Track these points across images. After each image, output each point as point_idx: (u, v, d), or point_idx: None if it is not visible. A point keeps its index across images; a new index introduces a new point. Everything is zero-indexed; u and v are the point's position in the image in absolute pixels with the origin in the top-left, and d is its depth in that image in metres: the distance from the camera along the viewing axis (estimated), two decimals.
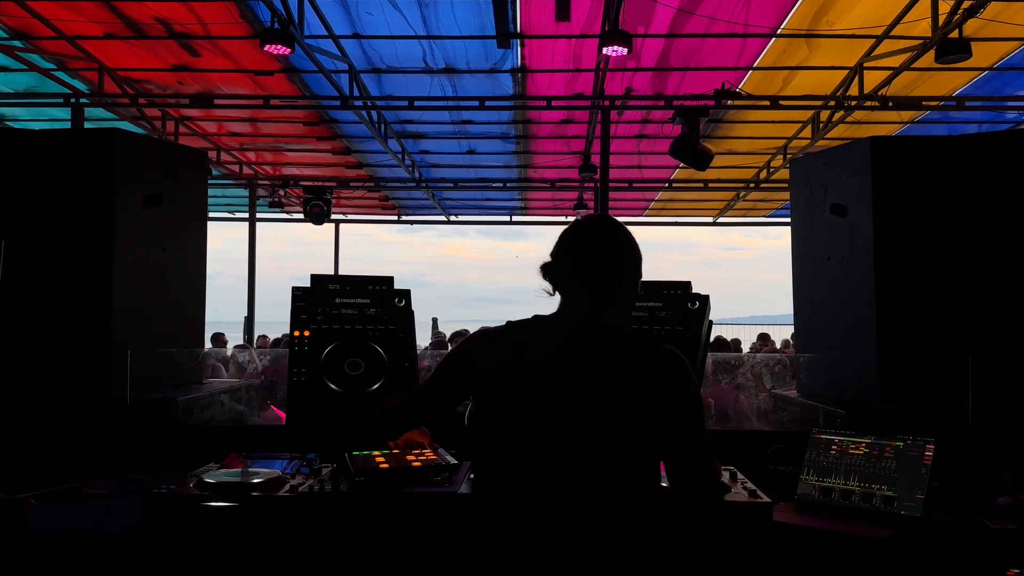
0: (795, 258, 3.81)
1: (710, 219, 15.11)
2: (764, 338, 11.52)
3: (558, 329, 1.80)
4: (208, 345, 8.96)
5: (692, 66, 7.43)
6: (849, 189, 3.36)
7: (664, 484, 1.77)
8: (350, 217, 15.36)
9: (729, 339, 11.99)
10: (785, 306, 4.23)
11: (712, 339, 3.50)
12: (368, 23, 6.64)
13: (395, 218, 15.69)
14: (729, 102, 7.85)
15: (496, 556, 1.68)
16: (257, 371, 4.12)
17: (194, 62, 7.45)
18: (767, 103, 7.73)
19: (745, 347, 10.96)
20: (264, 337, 11.91)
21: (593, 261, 1.79)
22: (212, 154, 10.41)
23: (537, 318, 1.83)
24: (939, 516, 2.31)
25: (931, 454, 2.38)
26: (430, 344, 8.87)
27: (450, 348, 7.37)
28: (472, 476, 1.92)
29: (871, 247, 3.21)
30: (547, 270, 1.84)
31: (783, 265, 4.09)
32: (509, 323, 1.84)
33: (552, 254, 1.85)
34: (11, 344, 3.20)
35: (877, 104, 7.45)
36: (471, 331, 7.79)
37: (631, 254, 1.82)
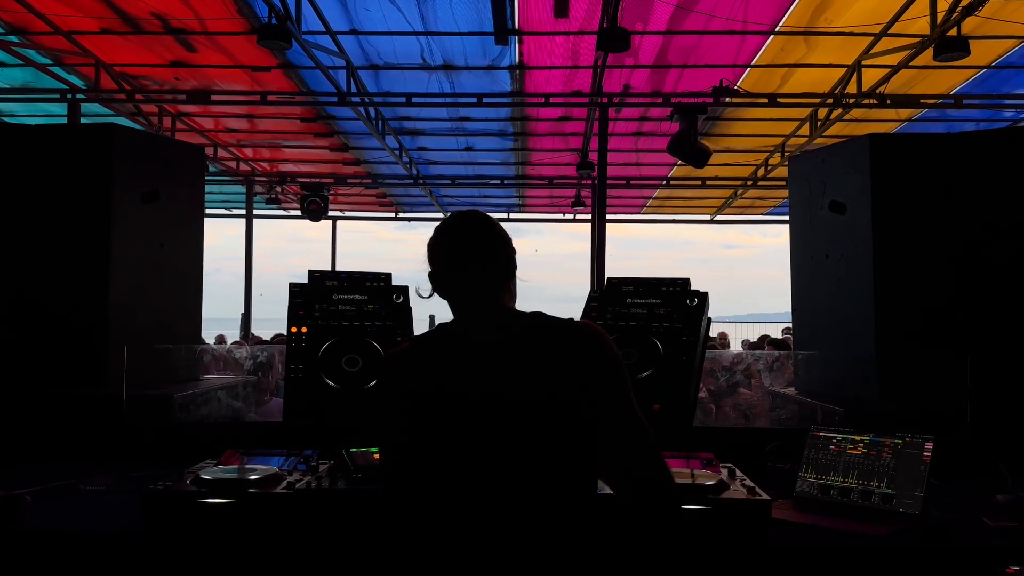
0: (793, 255, 3.81)
1: (708, 216, 15.12)
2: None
3: (465, 326, 1.79)
4: (211, 342, 8.92)
5: (690, 63, 7.43)
6: (848, 186, 3.36)
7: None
8: (347, 214, 15.35)
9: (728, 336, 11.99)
10: (783, 304, 4.23)
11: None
12: (366, 19, 6.62)
13: (392, 215, 15.67)
14: (727, 99, 7.86)
15: (430, 555, 1.65)
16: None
17: (191, 58, 7.43)
18: (765, 100, 7.73)
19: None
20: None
21: (465, 249, 1.77)
22: (209, 150, 10.39)
23: (441, 325, 1.83)
24: (938, 513, 2.31)
25: (930, 452, 2.38)
26: None
27: None
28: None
29: (870, 244, 3.20)
30: (432, 278, 1.83)
31: (781, 263, 4.09)
32: (413, 339, 1.84)
33: (430, 262, 1.83)
34: (7, 339, 3.18)
35: (875, 102, 7.46)
36: None
37: (500, 237, 1.81)
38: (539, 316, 1.77)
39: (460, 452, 1.66)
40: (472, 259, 1.77)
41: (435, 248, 1.82)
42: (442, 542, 1.65)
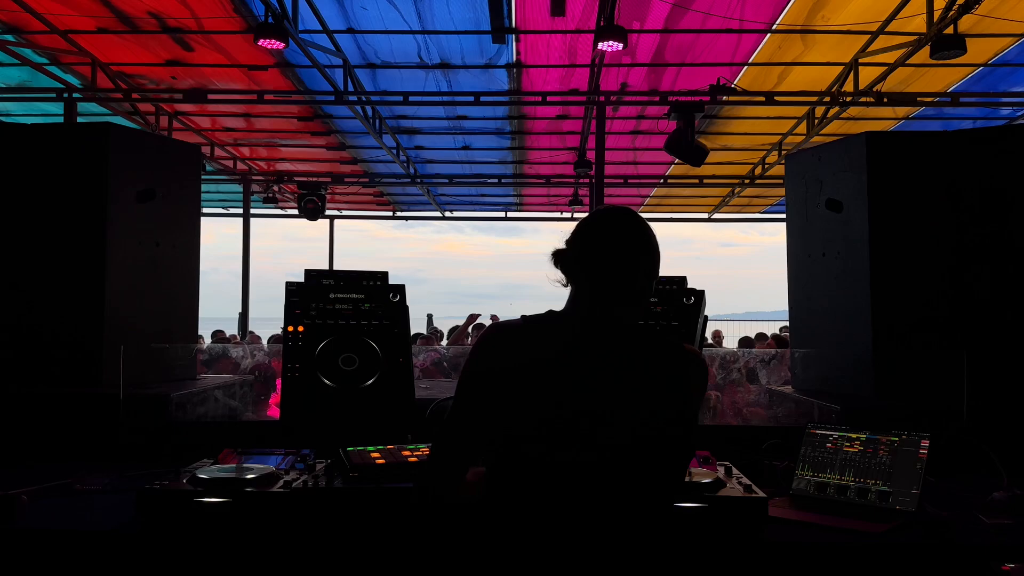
0: (790, 254, 3.81)
1: (705, 215, 15.14)
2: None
3: (572, 323, 1.73)
4: (207, 341, 8.87)
5: (687, 62, 7.44)
6: (844, 184, 3.36)
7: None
8: (345, 213, 15.34)
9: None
10: (780, 302, 4.24)
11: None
12: (363, 18, 6.62)
13: (390, 214, 15.67)
14: (724, 98, 7.86)
15: (509, 561, 1.63)
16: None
17: (187, 57, 7.42)
18: (762, 99, 7.75)
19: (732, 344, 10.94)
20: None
21: (604, 253, 1.73)
22: (206, 149, 10.39)
23: (551, 312, 1.76)
24: (934, 511, 2.31)
25: (926, 449, 2.38)
26: (416, 337, 8.43)
27: (470, 340, 7.20)
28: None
29: (866, 242, 3.21)
30: (558, 258, 1.78)
31: (778, 261, 4.09)
32: (524, 317, 1.76)
33: (567, 242, 1.78)
34: (3, 339, 3.18)
35: (872, 100, 7.47)
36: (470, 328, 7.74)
37: (647, 248, 1.75)
38: (653, 333, 1.76)
39: (551, 449, 1.63)
40: (627, 262, 1.72)
41: (590, 236, 1.76)
42: (527, 542, 1.62)
